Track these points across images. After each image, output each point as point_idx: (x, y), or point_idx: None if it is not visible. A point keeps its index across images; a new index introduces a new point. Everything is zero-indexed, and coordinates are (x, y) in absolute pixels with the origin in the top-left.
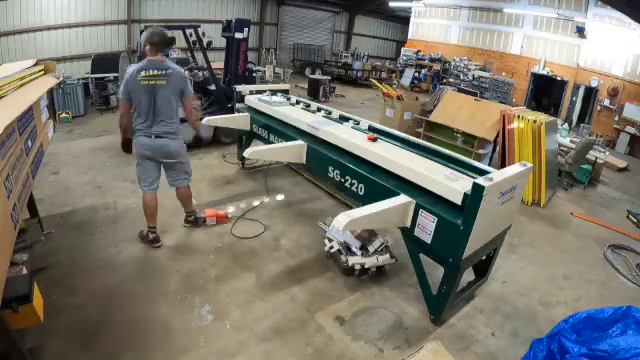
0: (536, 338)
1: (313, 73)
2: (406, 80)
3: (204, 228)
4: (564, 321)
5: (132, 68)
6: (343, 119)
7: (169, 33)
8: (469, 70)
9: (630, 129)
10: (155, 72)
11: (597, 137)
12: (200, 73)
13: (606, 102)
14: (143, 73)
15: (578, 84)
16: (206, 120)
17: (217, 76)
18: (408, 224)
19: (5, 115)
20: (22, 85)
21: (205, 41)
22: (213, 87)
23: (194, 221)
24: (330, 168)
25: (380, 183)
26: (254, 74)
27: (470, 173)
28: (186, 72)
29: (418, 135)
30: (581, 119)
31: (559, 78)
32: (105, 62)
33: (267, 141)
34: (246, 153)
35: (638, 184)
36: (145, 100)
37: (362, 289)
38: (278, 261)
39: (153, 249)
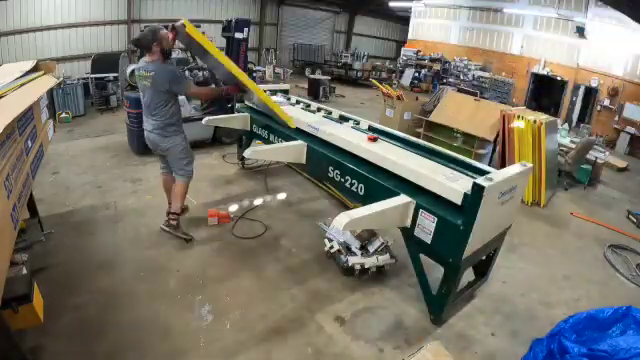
0: (536, 338)
1: (313, 73)
2: (406, 80)
3: (205, 228)
4: (564, 321)
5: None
6: (343, 119)
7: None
8: (469, 70)
9: (630, 129)
10: (143, 73)
11: (597, 137)
12: (200, 73)
13: (606, 102)
14: (136, 72)
15: (578, 84)
16: (206, 120)
17: (217, 76)
18: (408, 224)
19: (5, 115)
20: (22, 85)
21: None
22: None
23: (174, 227)
24: (330, 168)
25: (380, 183)
26: (254, 74)
27: (470, 173)
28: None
29: (418, 135)
30: (581, 119)
31: (559, 78)
32: (105, 62)
33: (267, 141)
34: (246, 153)
35: (638, 184)
36: (141, 96)
37: (362, 289)
38: (278, 261)
39: (152, 249)
